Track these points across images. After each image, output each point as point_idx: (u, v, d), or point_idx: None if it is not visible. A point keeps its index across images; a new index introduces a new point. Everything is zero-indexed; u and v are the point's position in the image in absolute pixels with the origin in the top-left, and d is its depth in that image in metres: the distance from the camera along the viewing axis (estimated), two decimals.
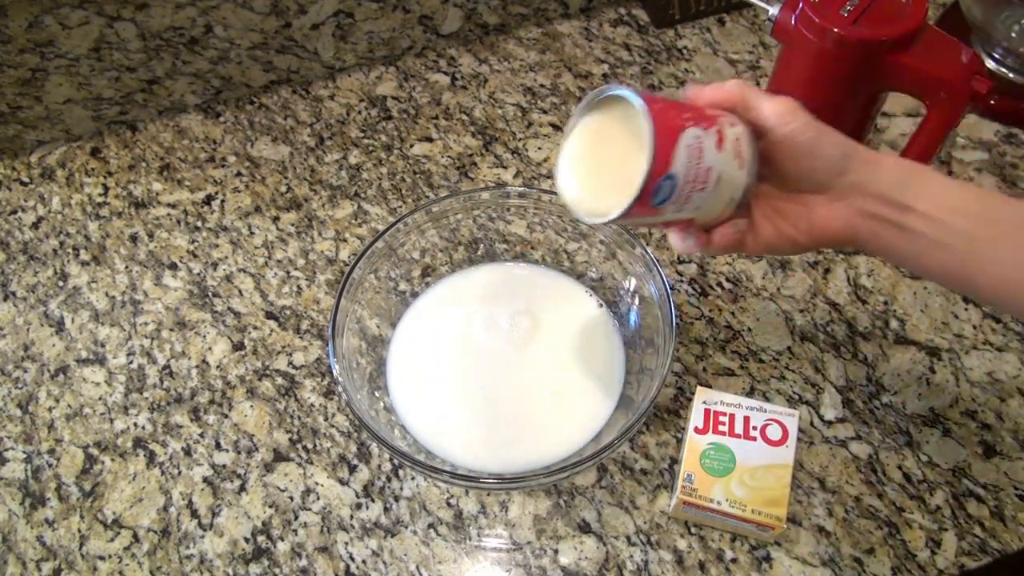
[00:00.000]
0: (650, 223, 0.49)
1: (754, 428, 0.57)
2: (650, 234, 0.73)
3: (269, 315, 0.71)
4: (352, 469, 0.62)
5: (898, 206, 0.44)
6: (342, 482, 0.62)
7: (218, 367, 0.68)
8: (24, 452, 0.65)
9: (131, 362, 0.69)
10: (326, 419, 0.65)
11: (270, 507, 0.61)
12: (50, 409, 0.67)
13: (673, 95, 0.46)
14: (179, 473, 0.63)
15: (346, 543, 0.59)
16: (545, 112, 0.83)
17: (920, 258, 0.45)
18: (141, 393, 0.67)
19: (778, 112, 0.45)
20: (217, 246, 0.75)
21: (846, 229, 0.46)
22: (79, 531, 0.61)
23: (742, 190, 0.47)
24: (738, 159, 0.46)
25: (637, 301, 0.65)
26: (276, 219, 0.77)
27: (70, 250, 0.76)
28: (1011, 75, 0.77)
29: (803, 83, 0.64)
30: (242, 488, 0.62)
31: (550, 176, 0.78)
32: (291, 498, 0.61)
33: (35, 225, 0.78)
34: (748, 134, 0.46)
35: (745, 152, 0.46)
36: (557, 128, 0.82)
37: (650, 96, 0.44)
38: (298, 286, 0.72)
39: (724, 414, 0.57)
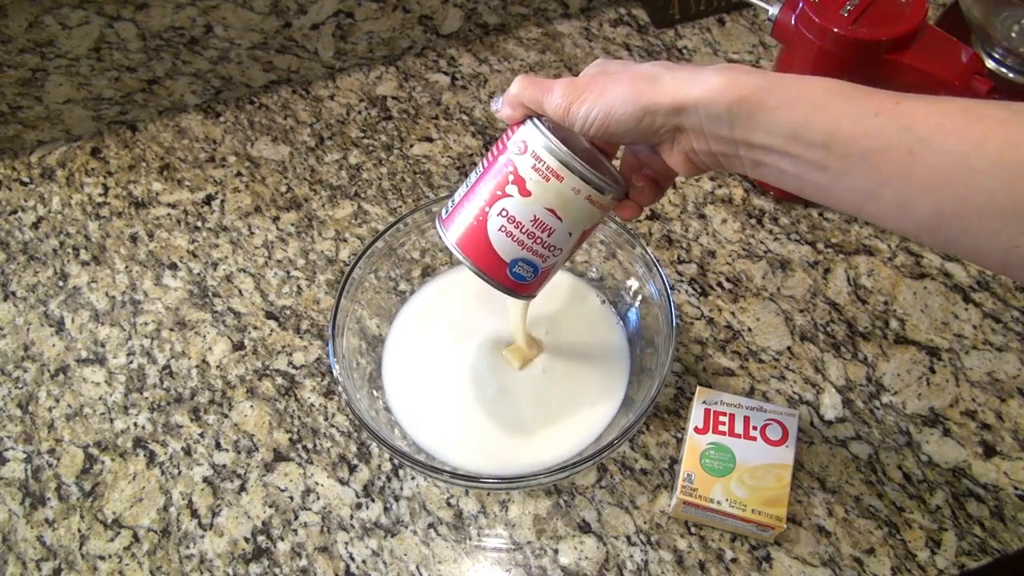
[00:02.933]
0: (564, 260, 0.50)
1: (754, 428, 0.57)
2: (650, 234, 0.73)
3: (269, 315, 0.71)
4: (352, 469, 0.62)
5: (731, 141, 0.41)
6: (342, 482, 0.62)
7: (218, 367, 0.68)
8: (24, 452, 0.65)
9: (131, 362, 0.69)
10: (326, 419, 0.65)
11: (270, 507, 0.61)
12: (50, 409, 0.67)
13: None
14: (179, 473, 0.63)
15: (346, 543, 0.59)
16: None
17: (779, 183, 0.42)
18: (141, 393, 0.67)
19: (556, 110, 0.44)
20: (217, 246, 0.75)
21: (691, 170, 0.45)
22: (79, 531, 0.61)
23: (588, 186, 0.46)
24: (552, 176, 0.45)
25: (637, 301, 0.65)
26: (276, 219, 0.77)
27: (70, 250, 0.76)
28: (1011, 75, 0.77)
29: None
30: (242, 488, 0.62)
31: None
32: (291, 498, 0.61)
33: (35, 225, 0.78)
34: (546, 140, 0.45)
35: (552, 163, 0.45)
36: None
37: (451, 218, 0.47)
38: (298, 286, 0.72)
39: (724, 414, 0.57)
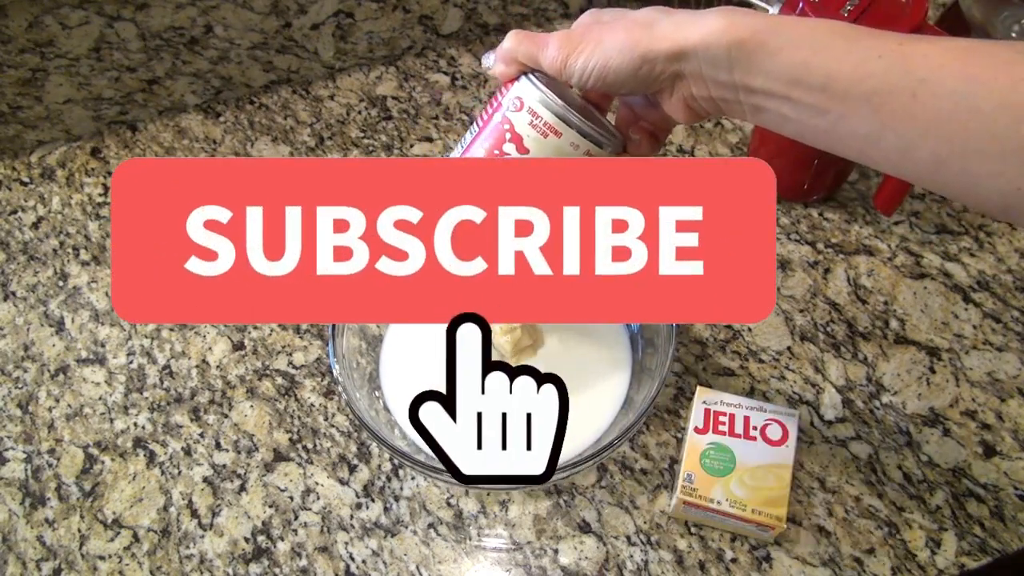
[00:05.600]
0: None
1: (754, 428, 0.57)
2: None
3: None
4: (352, 469, 0.62)
5: (731, 86, 0.40)
6: (342, 482, 0.62)
7: (218, 367, 0.68)
8: (24, 452, 0.65)
9: (131, 362, 0.69)
10: (326, 419, 0.65)
11: (270, 507, 0.61)
12: (50, 409, 0.67)
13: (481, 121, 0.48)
14: (179, 473, 0.63)
15: (346, 543, 0.59)
16: None
17: (779, 128, 0.41)
18: (141, 393, 0.67)
19: (552, 64, 0.43)
20: None
21: (690, 117, 0.44)
22: (79, 531, 0.61)
23: (587, 141, 0.45)
24: (550, 132, 0.44)
25: None
26: None
27: (70, 250, 0.76)
28: None
29: None
30: (242, 488, 0.62)
31: None
32: (291, 498, 0.61)
33: (35, 225, 0.78)
34: (542, 96, 0.44)
35: (550, 119, 0.44)
36: None
37: None
38: None
39: (724, 414, 0.57)
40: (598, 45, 0.42)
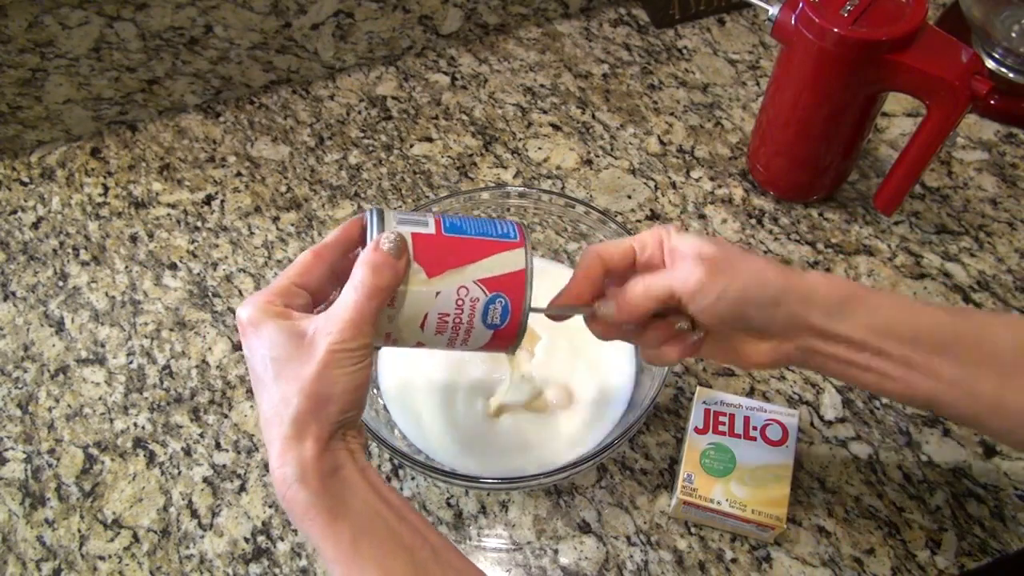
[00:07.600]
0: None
1: (754, 428, 0.57)
2: None
3: None
4: None
5: (829, 335, 0.44)
6: None
7: (218, 367, 0.68)
8: (24, 452, 0.65)
9: (131, 362, 0.69)
10: None
11: (270, 507, 0.61)
12: (50, 409, 0.67)
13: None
14: (179, 473, 0.63)
15: None
16: (545, 112, 0.83)
17: (856, 379, 0.46)
18: (141, 393, 0.67)
19: (688, 289, 0.44)
20: (217, 246, 0.75)
21: (775, 362, 0.47)
22: (79, 531, 0.61)
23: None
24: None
25: None
26: (276, 219, 0.77)
27: (70, 250, 0.76)
28: (1011, 75, 0.77)
29: (803, 83, 0.64)
30: (242, 488, 0.62)
31: (550, 176, 0.78)
32: None
33: (35, 225, 0.78)
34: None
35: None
36: (557, 128, 0.82)
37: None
38: None
39: (724, 414, 0.57)
40: (739, 274, 0.44)
